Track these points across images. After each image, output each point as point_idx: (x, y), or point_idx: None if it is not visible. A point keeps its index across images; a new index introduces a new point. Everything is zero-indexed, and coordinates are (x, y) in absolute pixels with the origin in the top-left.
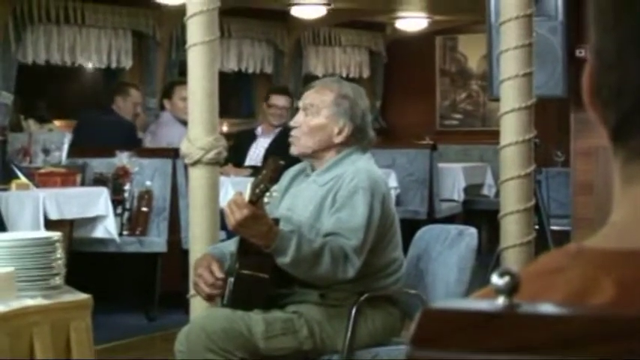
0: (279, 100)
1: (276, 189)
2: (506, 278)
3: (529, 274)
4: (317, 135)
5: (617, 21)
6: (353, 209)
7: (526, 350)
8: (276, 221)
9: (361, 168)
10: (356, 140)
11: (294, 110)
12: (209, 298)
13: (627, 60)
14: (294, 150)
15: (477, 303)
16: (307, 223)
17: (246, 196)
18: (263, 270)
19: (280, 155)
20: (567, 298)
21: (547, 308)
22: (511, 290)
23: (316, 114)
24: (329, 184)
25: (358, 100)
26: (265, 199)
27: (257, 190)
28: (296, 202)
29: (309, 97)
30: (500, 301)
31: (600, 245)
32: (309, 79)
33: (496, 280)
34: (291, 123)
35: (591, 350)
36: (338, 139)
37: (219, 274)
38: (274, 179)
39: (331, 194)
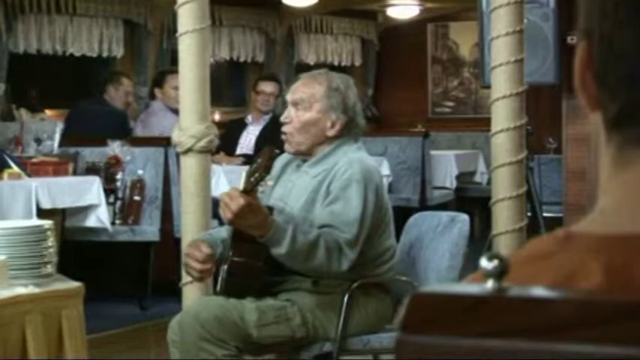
0: (267, 87)
1: (270, 177)
2: (495, 262)
3: (518, 259)
4: (310, 130)
5: (635, 13)
6: (347, 202)
7: (514, 334)
8: (270, 209)
9: (354, 159)
10: (348, 130)
11: (283, 98)
12: (200, 277)
13: None
14: (289, 149)
15: (466, 287)
16: (299, 215)
17: (241, 184)
18: (256, 257)
19: (271, 143)
20: (556, 282)
21: (535, 292)
22: (500, 274)
23: (308, 108)
24: (321, 175)
25: (348, 90)
26: (260, 188)
27: (252, 179)
28: (287, 192)
29: (299, 92)
30: (489, 284)
31: (588, 230)
32: (301, 68)
33: (485, 264)
34: (282, 119)
35: (579, 334)
36: (331, 132)
37: (208, 251)
38: (269, 168)
39: (324, 186)
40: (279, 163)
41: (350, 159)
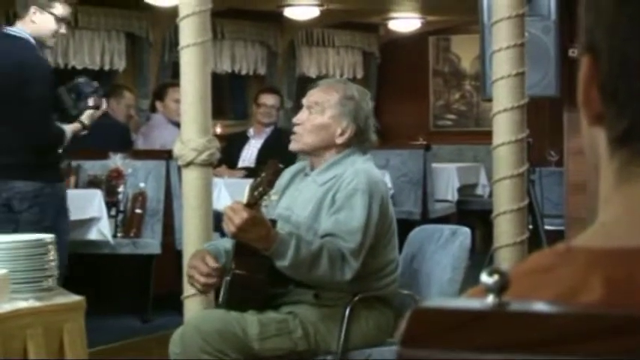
0: (268, 99)
1: (274, 192)
2: (496, 277)
3: (518, 273)
4: (319, 134)
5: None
6: (351, 211)
7: (515, 348)
8: (274, 223)
9: (360, 169)
10: (357, 142)
11: (291, 110)
12: (204, 290)
13: None
14: (293, 146)
15: (467, 302)
16: (306, 224)
17: (244, 198)
18: (258, 270)
19: (272, 156)
20: (556, 297)
21: (536, 307)
22: (500, 289)
23: (320, 113)
24: (328, 183)
25: (363, 102)
26: (263, 203)
27: (255, 193)
28: (295, 201)
29: (314, 96)
30: (490, 299)
31: (589, 244)
32: (302, 81)
33: (485, 278)
34: (294, 120)
35: (580, 348)
36: (340, 140)
37: (214, 264)
38: (273, 183)
39: (330, 194)
40: (287, 174)
41: (356, 169)
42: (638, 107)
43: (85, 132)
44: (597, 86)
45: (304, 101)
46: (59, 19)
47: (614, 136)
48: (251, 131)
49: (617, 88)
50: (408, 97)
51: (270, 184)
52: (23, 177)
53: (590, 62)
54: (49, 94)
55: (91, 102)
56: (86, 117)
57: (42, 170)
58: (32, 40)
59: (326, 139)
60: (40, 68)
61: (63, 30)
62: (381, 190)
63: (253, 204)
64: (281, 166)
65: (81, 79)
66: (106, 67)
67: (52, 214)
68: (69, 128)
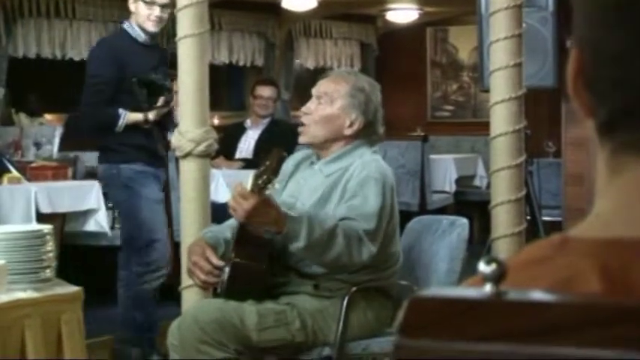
0: (265, 91)
1: (278, 180)
2: (493, 266)
3: (514, 264)
4: (327, 125)
5: (621, 19)
6: (365, 197)
7: (512, 337)
8: None
9: (369, 160)
10: (365, 134)
11: (288, 101)
12: (205, 286)
13: (631, 57)
14: (302, 139)
15: (464, 291)
16: (310, 212)
17: (248, 186)
18: (259, 260)
19: (270, 147)
20: (552, 287)
21: (533, 296)
22: (498, 278)
23: (329, 103)
24: (335, 174)
25: (373, 95)
26: (267, 191)
27: (259, 181)
28: (300, 189)
29: (324, 86)
30: (487, 288)
31: (584, 235)
32: (300, 72)
33: (483, 267)
34: (302, 109)
35: (577, 337)
36: (348, 132)
37: (217, 262)
38: (277, 171)
39: (340, 185)
40: (292, 161)
41: (365, 160)
42: (616, 97)
43: (147, 126)
44: (582, 78)
45: (313, 91)
46: (149, 3)
47: (600, 127)
48: (248, 122)
49: (597, 79)
50: (405, 88)
51: (275, 172)
52: (99, 159)
53: (577, 56)
54: (103, 73)
55: (160, 101)
56: (152, 112)
57: (107, 152)
58: (132, 29)
59: (334, 130)
60: (96, 51)
61: (157, 13)
62: (391, 182)
63: (257, 192)
64: (285, 154)
65: (156, 76)
66: None
67: (117, 195)
68: (130, 116)
